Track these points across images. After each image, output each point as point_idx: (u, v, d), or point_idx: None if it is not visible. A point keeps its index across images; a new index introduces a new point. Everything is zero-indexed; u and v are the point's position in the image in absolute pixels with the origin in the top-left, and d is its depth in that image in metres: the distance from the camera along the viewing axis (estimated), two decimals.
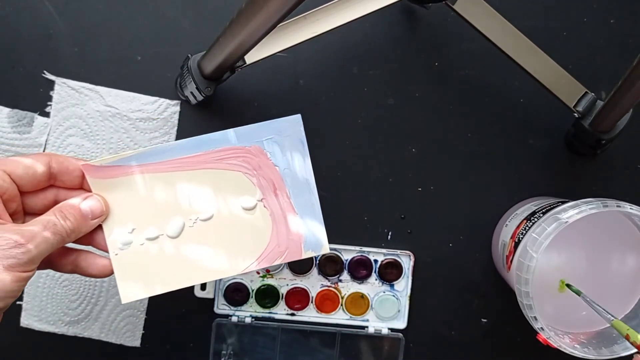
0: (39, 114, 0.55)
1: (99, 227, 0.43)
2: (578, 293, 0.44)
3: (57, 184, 0.43)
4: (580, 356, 0.46)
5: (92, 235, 0.43)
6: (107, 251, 0.43)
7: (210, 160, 0.44)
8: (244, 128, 0.44)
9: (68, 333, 0.55)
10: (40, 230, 0.38)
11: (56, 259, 0.43)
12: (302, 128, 0.45)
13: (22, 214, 0.42)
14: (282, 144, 0.44)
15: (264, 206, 0.45)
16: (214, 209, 0.44)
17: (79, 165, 0.42)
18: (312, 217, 0.45)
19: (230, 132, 0.44)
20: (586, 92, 0.52)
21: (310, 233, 0.45)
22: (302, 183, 0.45)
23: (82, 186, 0.43)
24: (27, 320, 0.55)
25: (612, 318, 0.38)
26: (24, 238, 0.37)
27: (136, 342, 0.56)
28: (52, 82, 0.55)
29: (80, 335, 0.55)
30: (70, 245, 0.42)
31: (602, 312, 0.41)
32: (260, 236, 0.45)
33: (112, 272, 0.43)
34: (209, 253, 0.44)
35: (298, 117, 0.44)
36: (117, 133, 0.55)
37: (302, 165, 0.45)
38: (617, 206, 0.45)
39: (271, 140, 0.44)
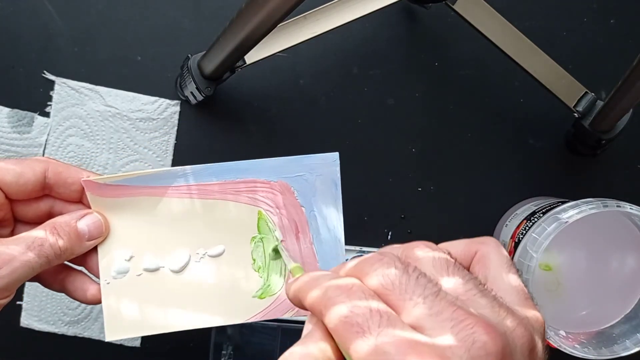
0: (39, 114, 0.55)
1: (94, 248, 0.38)
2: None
3: (52, 194, 0.38)
4: (580, 356, 0.46)
5: (85, 256, 0.39)
6: (99, 276, 0.39)
7: (228, 191, 0.39)
8: (271, 160, 0.39)
9: (68, 333, 0.55)
10: (21, 252, 0.34)
11: (44, 275, 0.38)
12: (337, 168, 0.39)
13: (12, 221, 0.38)
14: (313, 183, 0.39)
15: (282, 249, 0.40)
16: (225, 245, 0.40)
17: (79, 179, 0.37)
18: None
19: (256, 162, 0.39)
20: (586, 92, 0.52)
21: None
22: (329, 229, 0.40)
23: (81, 200, 0.39)
24: (27, 320, 0.55)
25: (293, 264, 0.34)
26: None
27: (136, 342, 0.56)
28: (52, 82, 0.55)
29: (80, 335, 0.55)
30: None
31: (287, 259, 0.38)
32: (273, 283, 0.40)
33: (100, 301, 0.38)
34: (213, 295, 0.39)
35: (335, 155, 0.40)
36: (117, 133, 0.55)
37: (331, 210, 0.40)
38: (617, 206, 0.45)
39: (301, 177, 0.39)
